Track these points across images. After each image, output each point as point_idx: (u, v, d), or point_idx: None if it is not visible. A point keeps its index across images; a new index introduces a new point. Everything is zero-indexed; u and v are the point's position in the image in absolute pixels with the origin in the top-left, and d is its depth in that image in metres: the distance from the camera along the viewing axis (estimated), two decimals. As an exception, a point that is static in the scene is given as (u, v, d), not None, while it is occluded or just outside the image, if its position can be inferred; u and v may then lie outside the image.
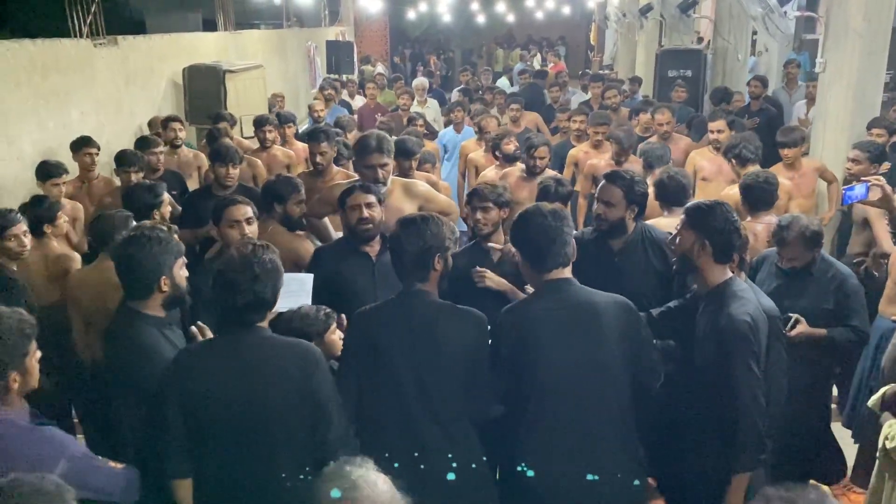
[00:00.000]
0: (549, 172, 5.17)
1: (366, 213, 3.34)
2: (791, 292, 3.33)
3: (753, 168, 4.66)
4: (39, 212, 4.01)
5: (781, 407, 2.65)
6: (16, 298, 3.38)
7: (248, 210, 3.46)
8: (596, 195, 3.39)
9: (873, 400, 2.75)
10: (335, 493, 1.62)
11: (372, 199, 3.38)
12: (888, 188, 3.43)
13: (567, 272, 2.61)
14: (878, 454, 2.64)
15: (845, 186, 3.72)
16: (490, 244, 3.43)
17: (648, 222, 3.58)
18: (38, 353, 2.20)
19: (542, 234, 2.58)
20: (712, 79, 9.65)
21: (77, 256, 4.04)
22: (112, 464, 2.31)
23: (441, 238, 2.63)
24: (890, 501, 2.56)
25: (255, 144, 6.54)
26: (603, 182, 3.35)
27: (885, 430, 2.58)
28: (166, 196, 4.23)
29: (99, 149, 5.39)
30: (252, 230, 3.42)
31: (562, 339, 2.51)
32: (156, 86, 7.83)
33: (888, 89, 7.42)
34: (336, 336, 2.87)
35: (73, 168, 5.47)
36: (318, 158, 4.87)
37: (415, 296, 2.62)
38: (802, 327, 3.22)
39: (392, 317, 2.59)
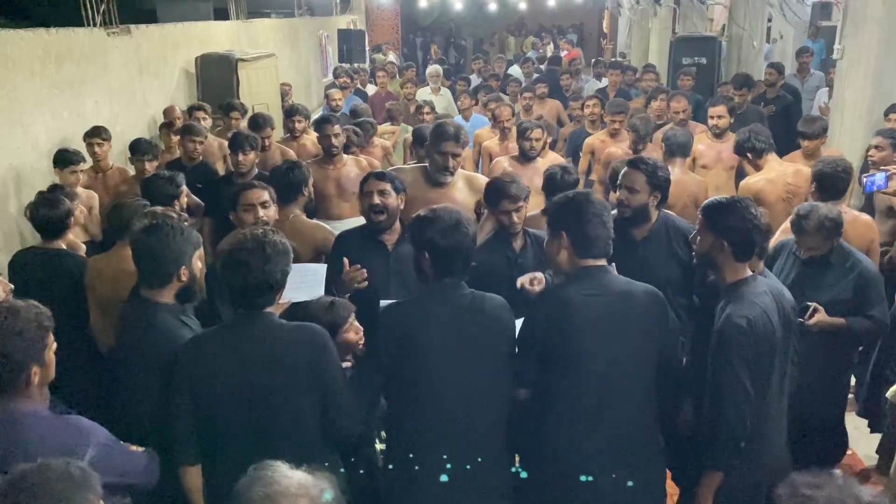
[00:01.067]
0: (553, 157, 5.11)
1: (377, 200, 3.31)
2: (809, 281, 3.30)
3: (771, 156, 4.61)
4: (52, 215, 3.87)
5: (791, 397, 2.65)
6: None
7: (264, 194, 3.44)
8: (619, 181, 3.35)
9: (892, 391, 2.73)
10: (327, 496, 1.59)
11: (386, 186, 3.35)
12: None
13: (604, 261, 2.60)
14: None
15: (865, 175, 3.66)
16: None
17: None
18: (55, 345, 2.21)
19: (596, 221, 2.55)
20: (727, 66, 9.57)
21: (81, 246, 4.04)
22: (133, 447, 2.33)
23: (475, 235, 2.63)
24: None
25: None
26: (626, 168, 3.32)
27: None
28: (184, 187, 4.24)
29: (105, 138, 5.38)
30: (268, 214, 3.42)
31: (598, 325, 2.50)
32: (169, 75, 7.83)
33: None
34: (352, 333, 2.81)
35: (88, 160, 5.50)
36: (334, 141, 4.87)
37: (448, 288, 2.57)
38: (820, 316, 3.20)
39: (427, 311, 2.54)
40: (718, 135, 5.69)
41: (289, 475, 1.58)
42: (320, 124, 4.94)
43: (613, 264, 2.67)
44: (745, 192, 4.64)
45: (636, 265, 3.16)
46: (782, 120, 7.35)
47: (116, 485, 2.24)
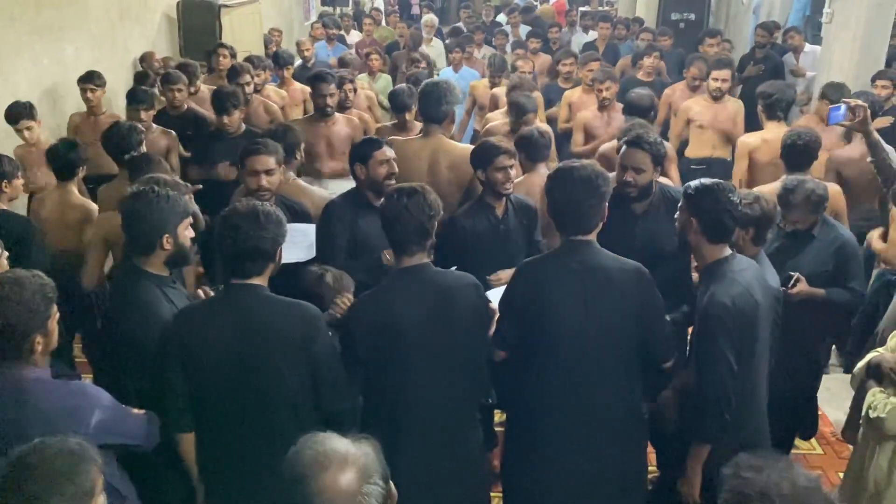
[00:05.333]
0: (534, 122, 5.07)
1: (393, 168, 3.39)
2: (792, 253, 3.37)
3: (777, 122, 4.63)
4: (72, 156, 4.01)
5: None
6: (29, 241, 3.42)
7: (271, 161, 3.38)
8: (622, 161, 3.34)
9: (858, 367, 2.83)
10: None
11: (394, 153, 3.42)
12: (867, 112, 3.44)
13: (591, 236, 2.63)
14: (861, 421, 2.73)
15: (831, 107, 3.71)
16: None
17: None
18: (58, 314, 2.24)
19: (571, 199, 2.57)
20: (715, 23, 9.51)
21: (94, 207, 4.03)
22: (135, 411, 2.38)
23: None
24: (872, 463, 2.66)
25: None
26: (627, 149, 3.32)
27: (868, 399, 2.65)
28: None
29: (98, 84, 5.29)
30: (271, 181, 3.37)
31: (574, 299, 2.55)
32: (150, 20, 7.64)
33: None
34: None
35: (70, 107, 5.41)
36: (329, 100, 4.79)
37: (423, 269, 2.58)
38: (802, 286, 3.27)
39: (405, 293, 2.54)
40: (718, 98, 5.68)
41: (338, 443, 1.60)
42: (315, 82, 4.82)
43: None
44: (742, 148, 4.75)
45: (638, 239, 3.21)
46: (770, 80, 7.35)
47: (119, 445, 2.31)
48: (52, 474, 1.65)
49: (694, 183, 2.78)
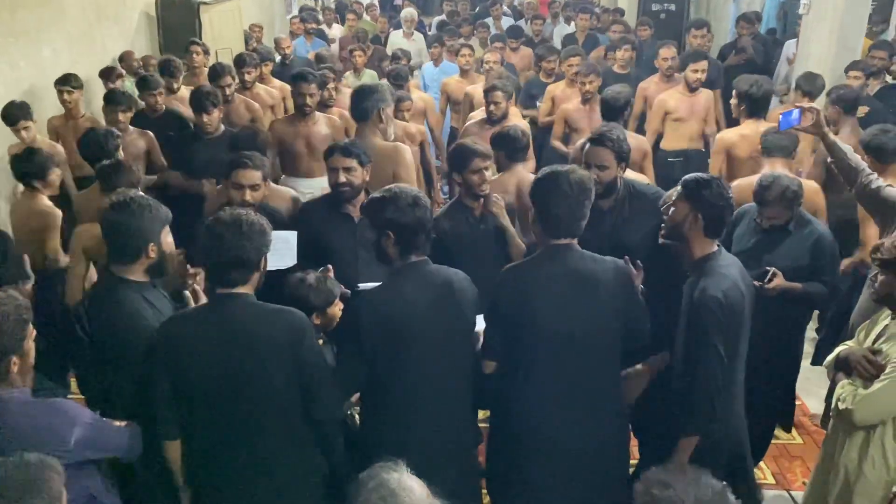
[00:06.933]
0: (513, 120, 5.03)
1: (343, 178, 3.35)
2: (769, 248, 3.42)
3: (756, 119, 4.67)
4: (28, 168, 4.00)
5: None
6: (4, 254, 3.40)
7: (257, 176, 3.38)
8: (585, 160, 3.37)
9: (829, 360, 2.88)
10: None
11: (352, 163, 3.36)
12: (821, 115, 3.45)
13: (573, 240, 2.65)
14: (831, 413, 2.79)
15: (783, 112, 3.69)
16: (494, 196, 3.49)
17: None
18: (35, 333, 2.25)
19: (562, 203, 2.59)
20: (696, 13, 9.54)
21: (57, 213, 4.03)
22: (116, 423, 2.40)
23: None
24: (843, 453, 2.72)
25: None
26: (591, 147, 3.36)
27: (837, 391, 2.70)
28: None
29: (75, 86, 5.27)
30: (255, 196, 3.38)
31: (559, 305, 2.57)
32: (128, 19, 7.59)
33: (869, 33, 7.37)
34: (338, 309, 2.89)
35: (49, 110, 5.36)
36: (308, 101, 4.78)
37: (420, 267, 2.61)
38: (779, 280, 3.32)
39: (409, 287, 2.57)
40: (695, 89, 5.72)
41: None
42: (295, 81, 4.82)
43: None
44: (719, 144, 4.77)
45: (605, 234, 3.25)
46: (750, 72, 7.38)
47: (101, 459, 2.33)
48: (13, 487, 1.70)
49: (691, 177, 2.80)
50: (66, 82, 5.25)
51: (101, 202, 2.83)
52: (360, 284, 2.90)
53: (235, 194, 3.36)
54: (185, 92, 5.76)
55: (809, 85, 5.13)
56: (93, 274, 3.66)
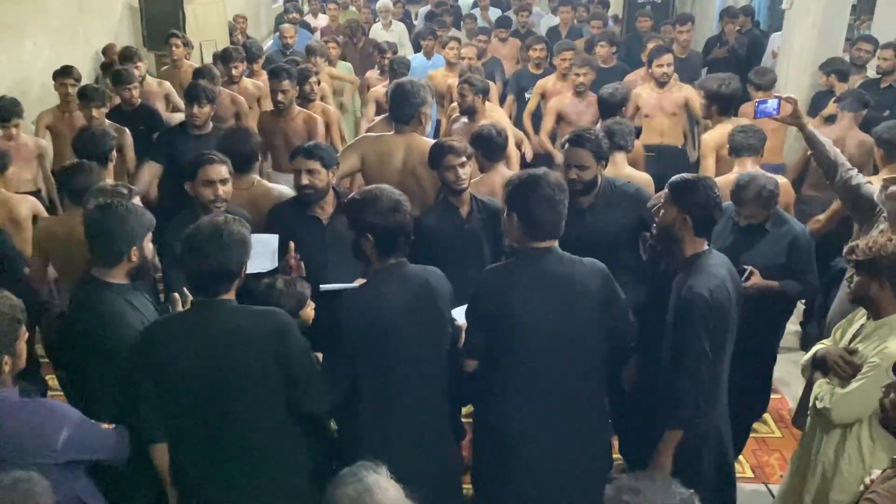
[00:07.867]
0: (497, 115, 5.03)
1: (305, 180, 3.32)
2: (746, 247, 3.46)
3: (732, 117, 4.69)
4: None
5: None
6: None
7: (223, 170, 3.34)
8: (565, 160, 3.41)
9: (805, 360, 2.93)
10: None
11: (314, 165, 3.33)
12: (799, 105, 3.46)
13: (554, 242, 2.67)
14: (809, 411, 2.83)
15: (758, 100, 3.70)
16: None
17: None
18: (27, 334, 2.25)
19: (546, 206, 2.61)
20: (681, 6, 9.55)
21: (27, 201, 4.03)
22: (104, 425, 2.41)
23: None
24: (820, 451, 2.76)
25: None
26: (570, 147, 3.39)
27: (815, 390, 2.75)
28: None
29: (77, 79, 5.25)
30: (226, 190, 3.34)
31: (539, 308, 2.60)
32: (111, 11, 7.53)
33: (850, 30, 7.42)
34: (310, 309, 2.91)
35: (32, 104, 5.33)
36: (280, 97, 4.78)
37: (398, 268, 2.64)
38: (756, 279, 3.37)
39: (389, 287, 2.60)
40: (663, 84, 5.73)
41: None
42: (269, 78, 4.82)
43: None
44: (706, 146, 4.75)
45: (584, 232, 3.27)
46: (734, 66, 7.42)
47: (89, 461, 2.34)
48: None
49: (678, 179, 2.84)
50: (69, 74, 5.22)
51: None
52: (321, 286, 2.90)
53: (207, 192, 3.29)
54: (153, 85, 5.77)
55: (760, 78, 5.18)
56: (52, 272, 3.66)
